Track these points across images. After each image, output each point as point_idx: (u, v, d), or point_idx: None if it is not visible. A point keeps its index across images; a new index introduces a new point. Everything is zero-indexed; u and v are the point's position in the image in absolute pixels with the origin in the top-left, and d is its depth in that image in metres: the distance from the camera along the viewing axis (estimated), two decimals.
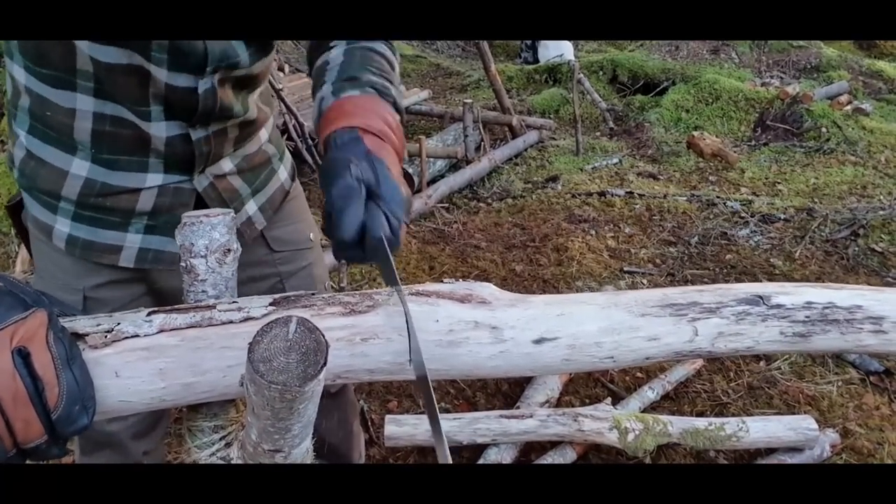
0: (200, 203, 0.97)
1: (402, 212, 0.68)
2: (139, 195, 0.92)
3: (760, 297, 0.70)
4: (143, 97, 0.84)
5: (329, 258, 1.66)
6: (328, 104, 0.81)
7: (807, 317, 0.69)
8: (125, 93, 0.83)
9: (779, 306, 0.69)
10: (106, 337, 0.61)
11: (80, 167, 0.89)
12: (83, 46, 0.78)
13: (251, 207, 1.05)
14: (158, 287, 1.02)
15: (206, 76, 0.85)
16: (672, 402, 2.22)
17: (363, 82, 0.83)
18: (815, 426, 1.91)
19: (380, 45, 0.92)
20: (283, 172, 1.12)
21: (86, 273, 0.96)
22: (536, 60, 7.21)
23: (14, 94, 0.89)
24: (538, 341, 0.67)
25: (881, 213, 3.44)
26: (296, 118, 4.08)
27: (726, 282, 2.96)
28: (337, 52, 0.90)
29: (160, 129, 0.87)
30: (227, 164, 0.99)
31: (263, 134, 1.06)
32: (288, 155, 1.16)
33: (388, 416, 1.94)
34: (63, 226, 0.93)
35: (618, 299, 0.70)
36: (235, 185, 1.01)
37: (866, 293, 0.71)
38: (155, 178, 0.92)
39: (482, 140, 4.79)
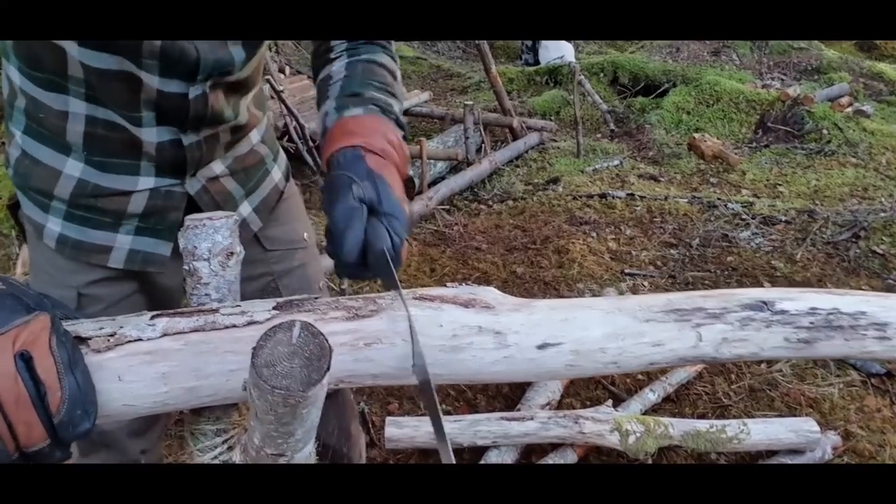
0: (192, 206, 0.97)
1: (404, 229, 0.70)
2: (130, 197, 0.92)
3: (764, 303, 0.69)
4: (135, 103, 0.84)
5: (326, 261, 1.66)
6: (331, 122, 0.83)
7: (811, 323, 0.69)
8: (116, 98, 0.84)
9: (783, 312, 0.69)
10: (109, 341, 0.60)
11: (73, 168, 0.90)
12: (73, 52, 0.79)
13: (245, 209, 1.05)
14: (150, 285, 1.02)
15: (198, 83, 0.86)
16: (673, 404, 2.22)
17: (366, 99, 0.85)
18: (817, 428, 1.91)
19: (381, 56, 0.93)
20: (277, 173, 1.12)
21: (78, 271, 0.96)
22: (537, 62, 7.20)
23: (10, 94, 0.90)
24: (542, 346, 0.66)
25: (882, 215, 3.44)
26: (296, 120, 4.08)
27: (727, 284, 2.98)
28: (339, 66, 0.91)
29: (151, 135, 0.88)
30: (218, 167, 0.99)
31: (255, 135, 1.06)
32: (282, 155, 1.16)
33: (388, 418, 1.94)
34: (54, 225, 0.93)
35: (622, 304, 0.69)
36: (228, 188, 1.01)
37: (871, 299, 0.71)
38: (147, 181, 0.92)
39: (483, 142, 4.79)
